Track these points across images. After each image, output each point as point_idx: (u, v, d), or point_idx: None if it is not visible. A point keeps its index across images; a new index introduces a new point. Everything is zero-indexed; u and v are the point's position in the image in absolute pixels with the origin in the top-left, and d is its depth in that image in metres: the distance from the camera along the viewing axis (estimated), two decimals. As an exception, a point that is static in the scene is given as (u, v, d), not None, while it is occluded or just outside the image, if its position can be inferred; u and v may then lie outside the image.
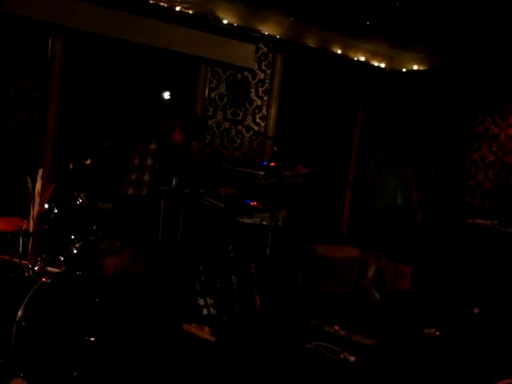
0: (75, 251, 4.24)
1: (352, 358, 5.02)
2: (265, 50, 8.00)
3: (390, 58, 9.18)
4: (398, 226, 6.68)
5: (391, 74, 9.25)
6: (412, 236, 6.65)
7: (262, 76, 8.07)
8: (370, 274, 6.84)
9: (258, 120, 8.12)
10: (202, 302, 5.65)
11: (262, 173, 6.64)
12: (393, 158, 6.85)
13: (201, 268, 5.88)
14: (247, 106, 8.01)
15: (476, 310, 6.74)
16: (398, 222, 6.67)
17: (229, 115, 7.82)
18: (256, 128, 8.06)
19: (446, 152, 8.33)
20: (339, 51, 8.60)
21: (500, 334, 6.11)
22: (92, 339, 3.77)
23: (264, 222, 6.09)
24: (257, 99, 8.08)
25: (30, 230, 3.96)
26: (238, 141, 7.99)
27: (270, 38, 7.89)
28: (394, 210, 6.72)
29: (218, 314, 5.63)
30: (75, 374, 3.66)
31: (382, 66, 9.17)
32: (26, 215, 4.03)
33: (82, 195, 4.49)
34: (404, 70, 9.26)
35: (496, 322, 6.44)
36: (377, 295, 6.75)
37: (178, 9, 6.86)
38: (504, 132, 8.23)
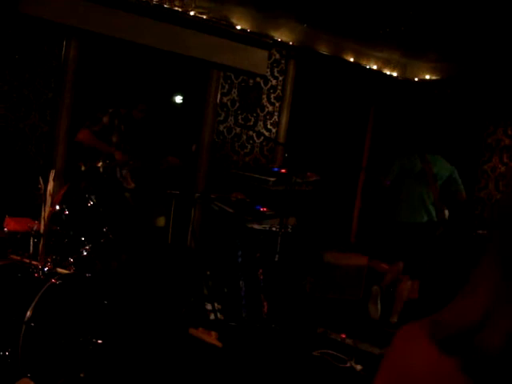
0: (85, 253, 4.26)
1: (359, 367, 5.01)
2: (277, 56, 8.01)
3: (403, 66, 9.18)
4: (421, 241, 6.48)
5: (403, 82, 9.25)
6: (429, 251, 6.54)
7: (274, 82, 8.08)
8: (385, 282, 6.72)
9: (269, 126, 8.13)
10: (209, 306, 5.66)
11: (272, 179, 6.65)
12: (417, 168, 6.53)
13: (209, 273, 5.89)
14: (259, 111, 8.01)
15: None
16: (422, 238, 6.47)
17: (240, 121, 7.83)
18: (267, 134, 8.06)
19: (456, 162, 8.30)
20: (352, 59, 8.61)
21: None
22: (99, 341, 3.78)
23: (273, 229, 6.10)
24: (268, 105, 8.09)
25: (41, 230, 3.98)
26: (249, 146, 7.99)
27: (282, 45, 7.91)
28: (419, 226, 6.50)
29: (225, 319, 5.64)
30: (82, 375, 3.68)
31: (395, 74, 9.17)
32: (37, 216, 4.05)
33: (93, 197, 4.51)
34: (416, 79, 9.26)
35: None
36: (379, 309, 6.59)
37: (192, 13, 6.89)
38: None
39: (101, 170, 5.57)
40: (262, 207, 6.39)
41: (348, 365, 5.04)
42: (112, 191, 5.56)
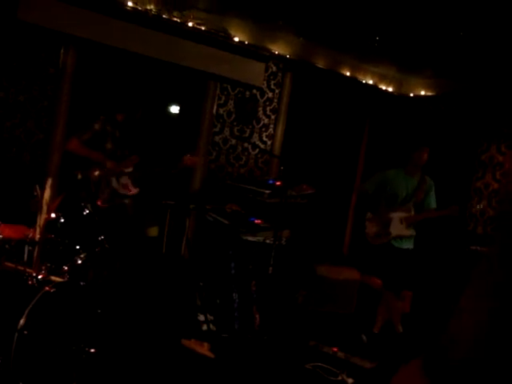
0: (80, 262, 4.25)
1: (350, 381, 5.01)
2: (274, 69, 8.05)
3: (399, 82, 9.24)
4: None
5: (399, 98, 9.30)
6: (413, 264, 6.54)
7: (270, 95, 8.11)
8: (377, 327, 6.61)
9: (264, 138, 8.15)
10: (202, 317, 5.64)
11: (267, 191, 6.66)
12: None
13: (202, 284, 5.88)
14: (254, 123, 8.04)
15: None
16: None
17: (236, 132, 7.85)
18: (262, 146, 8.09)
19: (449, 178, 8.34)
20: (348, 73, 8.65)
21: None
22: (92, 350, 3.77)
23: (267, 241, 6.10)
24: (264, 117, 8.11)
25: (36, 238, 3.97)
26: (244, 158, 8.01)
27: (279, 58, 7.94)
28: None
29: (217, 331, 5.62)
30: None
31: (390, 89, 9.23)
32: (32, 223, 4.04)
33: (88, 206, 4.50)
34: (411, 94, 9.31)
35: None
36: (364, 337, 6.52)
37: (190, 24, 6.91)
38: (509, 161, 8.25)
39: (94, 178, 5.54)
40: (257, 219, 6.40)
41: (339, 378, 5.03)
42: (107, 200, 5.55)
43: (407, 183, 6.25)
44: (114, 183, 5.65)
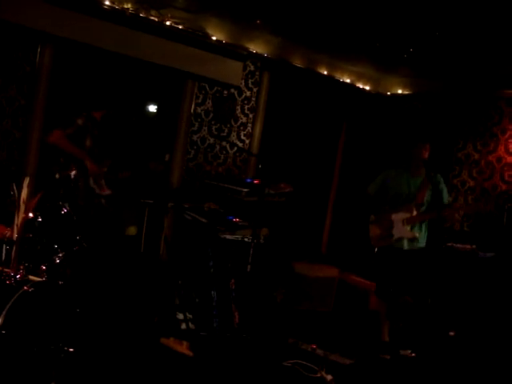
0: (58, 261, 4.23)
1: (329, 377, 5.03)
2: (252, 67, 8.06)
3: (376, 80, 9.29)
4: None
5: (376, 96, 9.36)
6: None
7: (248, 93, 8.12)
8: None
9: (242, 137, 8.16)
10: (181, 316, 5.64)
11: (245, 190, 6.67)
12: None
13: (180, 282, 5.88)
14: (232, 122, 8.05)
15: (451, 333, 6.80)
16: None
17: (214, 131, 7.85)
18: (240, 145, 8.10)
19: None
20: (325, 72, 8.69)
21: (473, 357, 6.16)
22: (71, 350, 3.76)
23: (246, 239, 6.11)
24: (242, 116, 8.12)
25: (14, 237, 3.95)
26: (222, 157, 8.02)
27: (257, 57, 7.96)
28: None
29: (196, 329, 5.63)
30: (53, 383, 3.65)
31: (367, 88, 9.28)
32: (9, 223, 4.02)
33: (66, 205, 4.49)
34: (388, 93, 9.38)
35: (470, 346, 6.50)
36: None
37: (168, 23, 6.90)
38: (484, 158, 8.34)
39: (72, 177, 5.52)
40: (235, 218, 6.41)
41: (318, 375, 5.05)
42: (85, 199, 5.53)
43: (409, 183, 6.10)
44: (92, 183, 5.64)
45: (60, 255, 4.26)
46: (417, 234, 6.02)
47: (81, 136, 5.61)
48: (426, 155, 6.05)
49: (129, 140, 6.56)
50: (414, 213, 6.00)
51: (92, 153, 5.63)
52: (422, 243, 6.10)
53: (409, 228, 6.00)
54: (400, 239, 6.03)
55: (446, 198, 6.14)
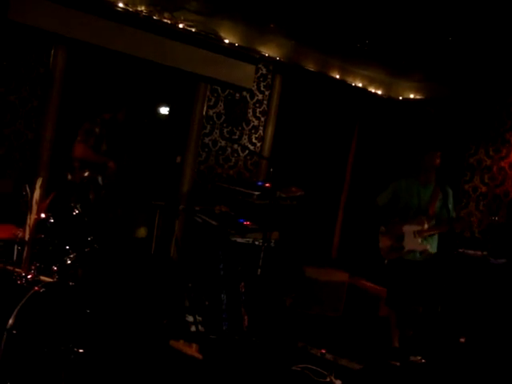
0: (69, 262, 4.24)
1: (338, 382, 5.03)
2: (264, 71, 8.07)
3: (388, 85, 9.28)
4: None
5: (388, 101, 9.34)
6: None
7: (260, 97, 8.12)
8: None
9: (254, 140, 8.16)
10: (190, 318, 5.65)
11: (257, 193, 6.66)
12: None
13: (191, 285, 5.88)
14: (244, 125, 8.05)
15: (462, 340, 6.77)
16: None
17: (225, 134, 7.86)
18: (252, 148, 8.10)
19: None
20: (337, 76, 8.68)
21: (484, 364, 6.13)
22: (81, 351, 3.76)
23: (256, 242, 6.11)
24: (254, 119, 8.13)
25: (26, 238, 3.96)
26: (233, 160, 8.02)
27: (270, 60, 7.97)
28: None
29: (206, 332, 5.63)
30: (63, 384, 3.66)
31: (379, 92, 9.27)
32: (21, 223, 4.03)
33: (78, 206, 4.50)
34: (400, 97, 9.36)
35: (481, 352, 6.47)
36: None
37: (181, 26, 6.92)
38: (496, 164, 8.31)
39: (85, 180, 5.58)
40: (246, 221, 6.40)
41: (327, 380, 5.05)
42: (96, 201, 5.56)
43: (420, 194, 6.01)
44: (100, 181, 5.70)
45: (71, 256, 4.27)
46: (428, 247, 5.95)
47: (98, 142, 5.70)
48: (438, 162, 5.99)
49: (140, 142, 6.58)
50: (426, 226, 5.92)
51: (107, 155, 5.72)
52: (434, 249, 6.05)
53: (420, 240, 5.93)
54: (411, 251, 5.97)
55: (452, 211, 5.98)
